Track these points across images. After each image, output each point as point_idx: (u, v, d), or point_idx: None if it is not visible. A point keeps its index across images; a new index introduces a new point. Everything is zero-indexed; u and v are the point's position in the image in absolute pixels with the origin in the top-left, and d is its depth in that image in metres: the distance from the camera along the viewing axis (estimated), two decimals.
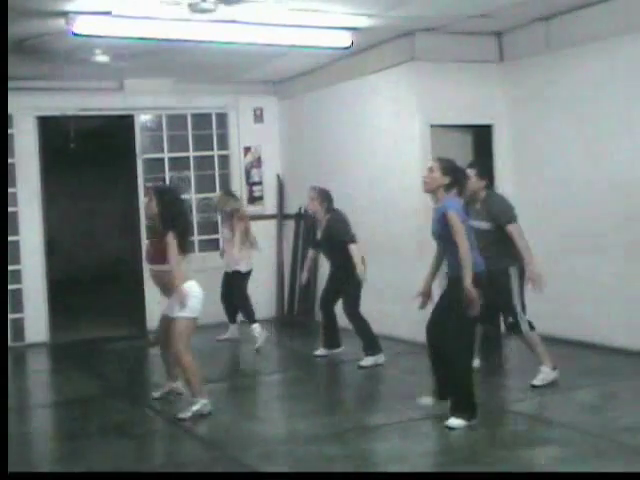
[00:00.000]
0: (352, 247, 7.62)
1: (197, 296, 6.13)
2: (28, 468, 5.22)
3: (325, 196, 7.94)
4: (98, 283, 14.35)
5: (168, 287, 6.16)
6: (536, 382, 6.48)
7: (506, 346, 8.73)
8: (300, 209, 10.82)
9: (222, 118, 11.11)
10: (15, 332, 9.83)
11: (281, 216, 11.20)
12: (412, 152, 8.59)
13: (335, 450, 5.33)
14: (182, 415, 6.06)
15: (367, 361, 7.65)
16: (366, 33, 8.17)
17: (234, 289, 9.17)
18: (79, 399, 7.16)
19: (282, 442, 5.63)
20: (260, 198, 11.23)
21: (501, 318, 6.89)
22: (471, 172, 6.50)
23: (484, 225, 6.46)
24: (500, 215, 6.53)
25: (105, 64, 8.79)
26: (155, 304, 10.50)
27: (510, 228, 6.46)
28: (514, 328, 6.58)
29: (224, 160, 11.11)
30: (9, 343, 9.45)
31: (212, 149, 11.07)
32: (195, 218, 10.88)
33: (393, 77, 8.86)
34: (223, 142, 11.14)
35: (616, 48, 7.53)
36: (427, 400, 5.99)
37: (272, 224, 11.18)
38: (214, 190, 10.99)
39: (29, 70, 9.07)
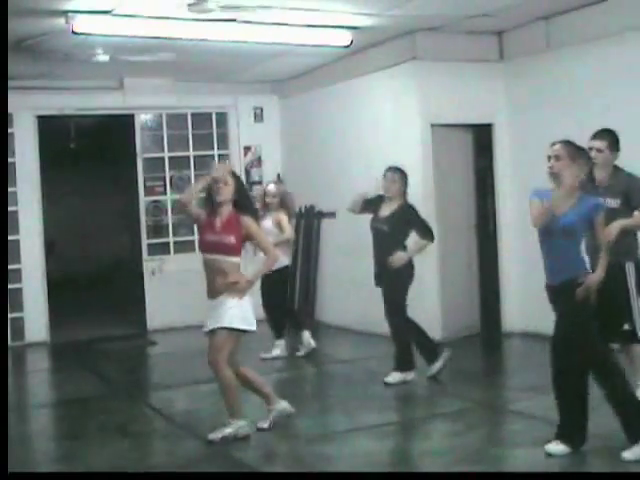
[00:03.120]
0: (421, 242, 7.02)
1: (250, 305, 5.57)
2: (28, 468, 5.22)
3: (405, 180, 7.09)
4: (98, 282, 14.35)
5: (223, 282, 5.43)
6: None
7: (505, 347, 8.76)
8: (301, 208, 10.81)
9: (222, 117, 11.11)
10: (15, 331, 9.82)
11: None
12: (413, 151, 8.58)
13: (335, 450, 5.33)
14: (212, 436, 5.48)
15: (393, 377, 6.99)
16: (367, 32, 8.16)
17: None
18: (79, 399, 7.15)
19: (282, 442, 5.62)
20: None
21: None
22: (601, 144, 5.69)
23: (612, 203, 5.49)
24: (636, 194, 5.55)
25: (105, 63, 8.78)
26: (156, 303, 10.58)
27: None
28: (632, 337, 5.60)
29: (224, 160, 11.09)
30: (9, 342, 9.45)
31: (212, 148, 11.07)
32: None
33: (394, 76, 8.86)
34: (223, 141, 11.14)
35: (616, 48, 7.52)
36: (557, 448, 4.91)
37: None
38: None
39: (29, 69, 9.07)
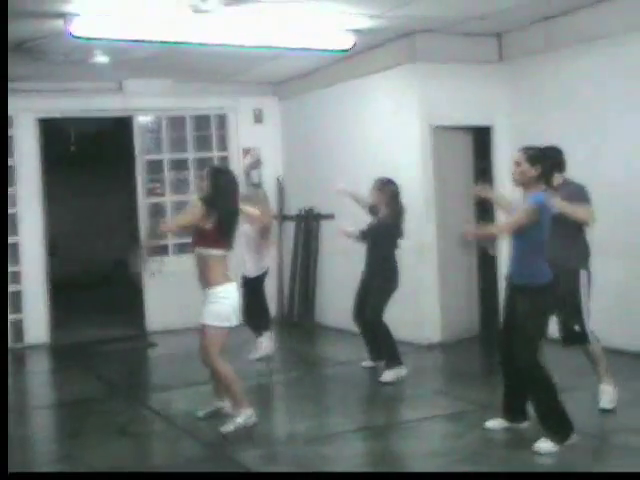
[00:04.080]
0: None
1: (229, 302, 5.62)
2: (28, 468, 5.23)
3: (384, 190, 7.31)
4: (98, 284, 14.34)
5: (205, 275, 5.60)
6: (606, 405, 5.83)
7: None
8: (300, 210, 10.82)
9: (222, 119, 11.12)
10: (15, 333, 9.82)
11: (281, 218, 11.19)
12: (413, 153, 8.60)
13: (335, 450, 5.34)
14: (225, 429, 5.61)
15: (387, 375, 7.14)
16: (367, 34, 8.17)
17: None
18: (79, 400, 7.16)
19: (282, 442, 5.63)
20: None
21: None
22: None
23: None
24: (580, 197, 5.78)
25: (104, 65, 8.79)
26: (155, 304, 10.59)
27: (586, 207, 5.75)
28: (579, 338, 5.84)
29: (224, 161, 11.10)
30: (9, 344, 9.44)
31: (212, 150, 11.08)
32: None
33: (394, 78, 8.87)
34: (223, 143, 11.15)
35: (616, 48, 7.53)
36: (495, 423, 5.47)
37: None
38: None
39: (29, 72, 9.07)
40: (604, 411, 5.79)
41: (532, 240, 5.06)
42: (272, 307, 10.84)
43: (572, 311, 5.75)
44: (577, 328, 5.81)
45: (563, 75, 8.11)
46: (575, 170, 8.03)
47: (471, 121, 8.85)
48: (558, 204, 5.51)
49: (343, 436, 5.65)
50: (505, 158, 8.82)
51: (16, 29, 7.02)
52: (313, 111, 10.49)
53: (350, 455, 5.24)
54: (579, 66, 7.95)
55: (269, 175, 11.13)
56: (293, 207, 11.00)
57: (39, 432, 6.50)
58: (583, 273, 5.80)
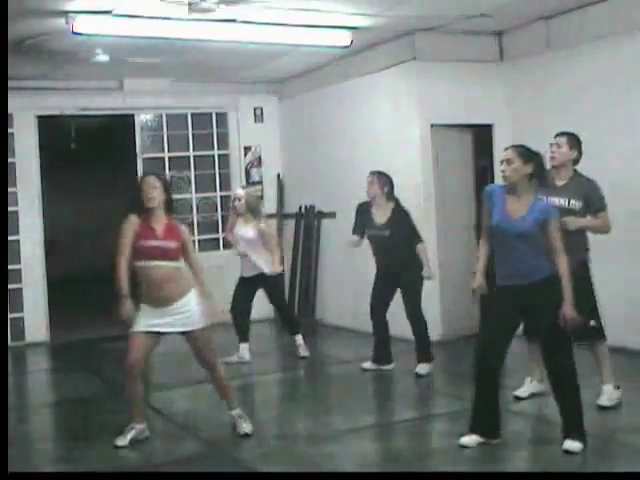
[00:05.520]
0: (420, 247, 7.29)
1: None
2: (28, 468, 5.22)
3: (385, 180, 7.35)
4: (98, 282, 14.30)
5: (176, 285, 5.60)
6: (604, 403, 5.76)
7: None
8: (300, 208, 10.82)
9: (222, 118, 11.12)
10: (15, 331, 9.83)
11: (281, 215, 11.20)
12: (412, 152, 8.60)
13: (335, 450, 5.33)
14: (248, 430, 5.60)
15: (423, 368, 7.29)
16: (366, 32, 8.17)
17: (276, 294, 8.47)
18: (79, 399, 7.16)
19: (282, 442, 5.62)
20: (260, 198, 11.22)
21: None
22: (562, 140, 5.82)
23: (576, 204, 5.65)
24: (596, 199, 5.69)
25: (105, 63, 8.78)
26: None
27: (603, 215, 5.68)
28: (596, 334, 5.72)
29: (224, 160, 11.12)
30: (9, 342, 9.45)
31: (212, 149, 11.08)
32: (195, 218, 10.93)
33: (393, 77, 8.87)
34: (223, 142, 11.15)
35: (616, 48, 7.54)
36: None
37: (272, 224, 11.16)
38: (214, 190, 11.03)
39: (29, 70, 9.08)
40: (601, 408, 5.75)
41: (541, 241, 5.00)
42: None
43: (587, 306, 5.48)
44: (593, 323, 5.65)
45: (563, 74, 8.10)
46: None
47: (471, 120, 8.85)
48: (572, 226, 5.47)
49: (343, 435, 5.64)
50: None
51: (17, 27, 7.03)
52: (313, 110, 10.49)
53: (350, 454, 5.24)
54: (579, 65, 7.94)
55: (269, 173, 11.15)
56: (293, 205, 11.00)
57: (39, 431, 6.48)
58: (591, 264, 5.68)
